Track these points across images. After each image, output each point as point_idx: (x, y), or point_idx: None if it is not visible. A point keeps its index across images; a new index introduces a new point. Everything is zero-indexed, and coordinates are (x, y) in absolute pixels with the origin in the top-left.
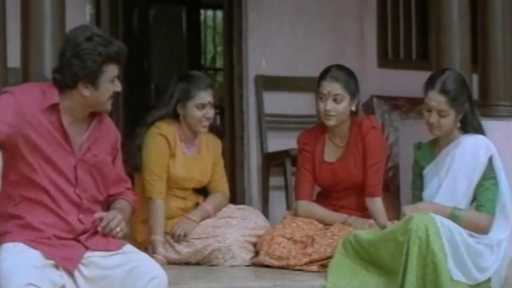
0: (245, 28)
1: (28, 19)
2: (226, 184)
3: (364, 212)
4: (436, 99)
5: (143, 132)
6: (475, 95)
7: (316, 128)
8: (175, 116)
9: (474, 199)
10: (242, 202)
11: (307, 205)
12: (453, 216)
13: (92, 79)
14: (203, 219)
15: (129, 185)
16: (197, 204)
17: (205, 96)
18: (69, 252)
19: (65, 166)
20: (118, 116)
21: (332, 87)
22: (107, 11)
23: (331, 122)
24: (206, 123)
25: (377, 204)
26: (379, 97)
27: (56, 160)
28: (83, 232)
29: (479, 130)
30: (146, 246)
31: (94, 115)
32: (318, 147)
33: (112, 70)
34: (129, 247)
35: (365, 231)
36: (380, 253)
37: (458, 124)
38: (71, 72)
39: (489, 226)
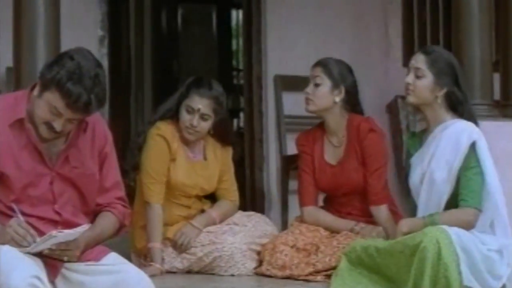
0: (264, 27)
1: (20, 17)
2: (236, 193)
3: (371, 217)
4: (416, 57)
5: (146, 130)
6: (497, 95)
7: (314, 129)
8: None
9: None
10: (262, 206)
11: (313, 212)
12: (431, 224)
13: (44, 83)
14: (207, 226)
15: (122, 193)
16: (202, 211)
17: (198, 102)
18: (49, 262)
19: (39, 188)
20: (143, 118)
21: (313, 70)
22: (134, 10)
23: (309, 107)
24: (191, 131)
25: (382, 212)
26: (404, 97)
27: (28, 185)
28: None
29: (472, 118)
30: (146, 253)
31: (79, 124)
32: (317, 147)
33: (54, 100)
34: (114, 257)
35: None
36: (387, 263)
37: (439, 101)
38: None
39: (474, 220)
